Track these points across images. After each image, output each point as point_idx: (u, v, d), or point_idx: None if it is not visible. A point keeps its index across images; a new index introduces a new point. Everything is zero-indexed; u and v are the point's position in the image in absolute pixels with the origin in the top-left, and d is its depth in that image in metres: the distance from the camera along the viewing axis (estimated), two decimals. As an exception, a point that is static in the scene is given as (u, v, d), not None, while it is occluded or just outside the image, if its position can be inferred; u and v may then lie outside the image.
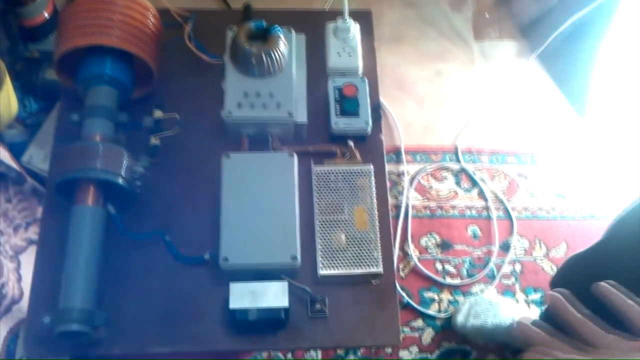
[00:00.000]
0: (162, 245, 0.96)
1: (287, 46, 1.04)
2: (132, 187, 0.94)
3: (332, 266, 0.95)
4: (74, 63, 0.99)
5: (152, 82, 1.04)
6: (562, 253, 1.56)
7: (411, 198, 1.62)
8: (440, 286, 1.51)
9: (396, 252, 1.53)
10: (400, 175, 1.66)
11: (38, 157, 1.42)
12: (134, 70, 1.02)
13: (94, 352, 0.90)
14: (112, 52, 0.97)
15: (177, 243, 0.97)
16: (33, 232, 1.24)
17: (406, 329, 1.46)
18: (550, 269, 1.53)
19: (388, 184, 1.65)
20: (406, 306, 1.48)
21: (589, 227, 1.60)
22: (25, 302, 1.10)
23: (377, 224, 0.98)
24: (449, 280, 1.52)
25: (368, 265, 0.95)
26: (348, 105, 1.06)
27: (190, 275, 0.96)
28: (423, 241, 1.57)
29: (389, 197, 1.05)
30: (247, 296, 0.89)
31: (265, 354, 1.39)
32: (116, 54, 0.98)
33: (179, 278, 0.96)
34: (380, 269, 0.95)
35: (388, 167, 1.68)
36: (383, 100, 1.75)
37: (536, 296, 1.50)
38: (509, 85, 1.82)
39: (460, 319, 1.42)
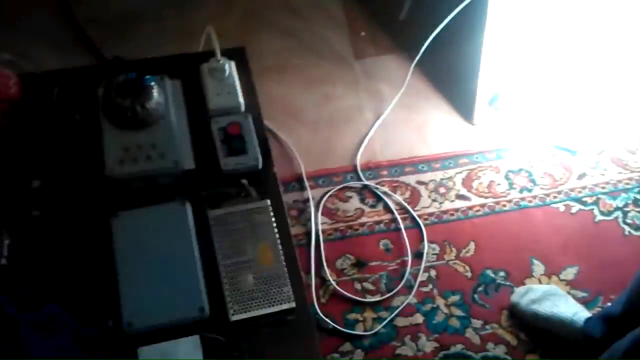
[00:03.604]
0: (59, 320, 0.91)
1: (162, 94, 1.01)
2: (16, 266, 0.88)
3: (244, 310, 0.92)
4: None
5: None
6: (472, 252, 1.59)
7: (320, 223, 1.62)
8: (362, 305, 1.51)
9: (313, 279, 1.52)
10: (305, 202, 1.66)
11: None
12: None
13: None
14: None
15: (75, 314, 0.91)
16: None
17: (336, 355, 1.44)
18: (464, 269, 1.56)
19: (295, 212, 1.66)
20: (332, 332, 1.47)
21: (492, 224, 1.65)
22: None
23: (283, 258, 0.97)
24: (369, 298, 1.52)
25: (280, 302, 0.93)
26: (235, 144, 1.04)
27: (95, 346, 0.90)
28: (338, 263, 1.57)
29: (290, 228, 1.03)
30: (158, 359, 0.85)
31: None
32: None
33: (84, 351, 0.90)
34: (292, 304, 0.93)
35: (293, 196, 1.68)
36: (277, 130, 1.76)
37: (455, 298, 1.52)
38: (395, 97, 1.86)
39: (514, 297, 1.49)
